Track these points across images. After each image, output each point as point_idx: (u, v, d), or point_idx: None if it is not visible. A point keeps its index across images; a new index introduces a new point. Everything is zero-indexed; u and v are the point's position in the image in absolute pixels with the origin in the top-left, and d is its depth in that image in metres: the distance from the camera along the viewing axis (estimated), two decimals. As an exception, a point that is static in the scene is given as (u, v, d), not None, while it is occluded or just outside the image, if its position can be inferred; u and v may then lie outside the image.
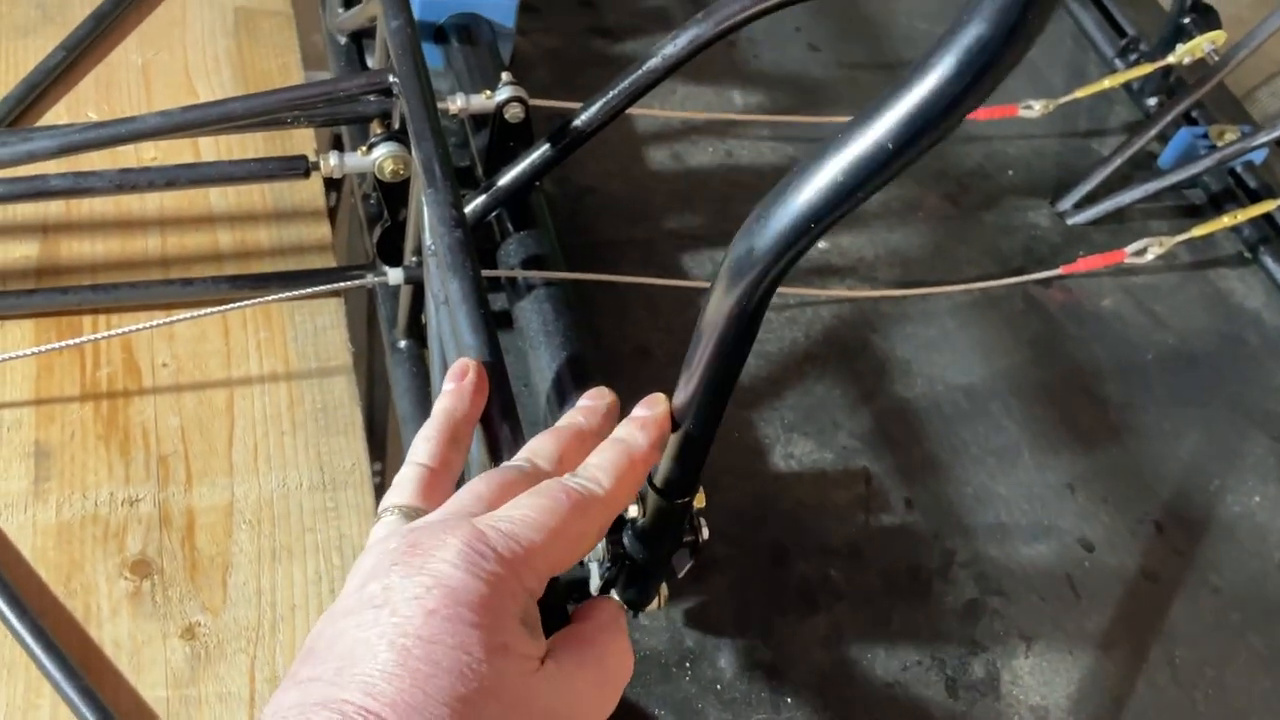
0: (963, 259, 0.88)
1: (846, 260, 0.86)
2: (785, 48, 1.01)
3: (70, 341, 0.70)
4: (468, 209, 0.72)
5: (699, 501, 0.53)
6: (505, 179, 0.71)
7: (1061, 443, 0.78)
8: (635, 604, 0.59)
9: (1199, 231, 0.88)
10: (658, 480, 0.49)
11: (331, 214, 0.84)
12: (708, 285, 0.80)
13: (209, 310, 0.71)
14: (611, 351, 0.76)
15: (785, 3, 0.64)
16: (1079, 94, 0.93)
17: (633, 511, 0.53)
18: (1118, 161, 0.94)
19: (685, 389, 0.44)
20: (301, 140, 0.86)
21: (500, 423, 0.50)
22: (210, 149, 0.84)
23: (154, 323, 0.71)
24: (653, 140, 0.90)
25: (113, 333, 0.72)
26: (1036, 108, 0.92)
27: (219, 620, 0.63)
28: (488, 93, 0.70)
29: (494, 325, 0.53)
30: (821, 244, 0.86)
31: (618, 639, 0.40)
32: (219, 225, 0.81)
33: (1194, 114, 0.98)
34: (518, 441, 0.49)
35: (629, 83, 0.67)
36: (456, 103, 0.70)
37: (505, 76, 0.71)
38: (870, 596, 0.68)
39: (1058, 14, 1.11)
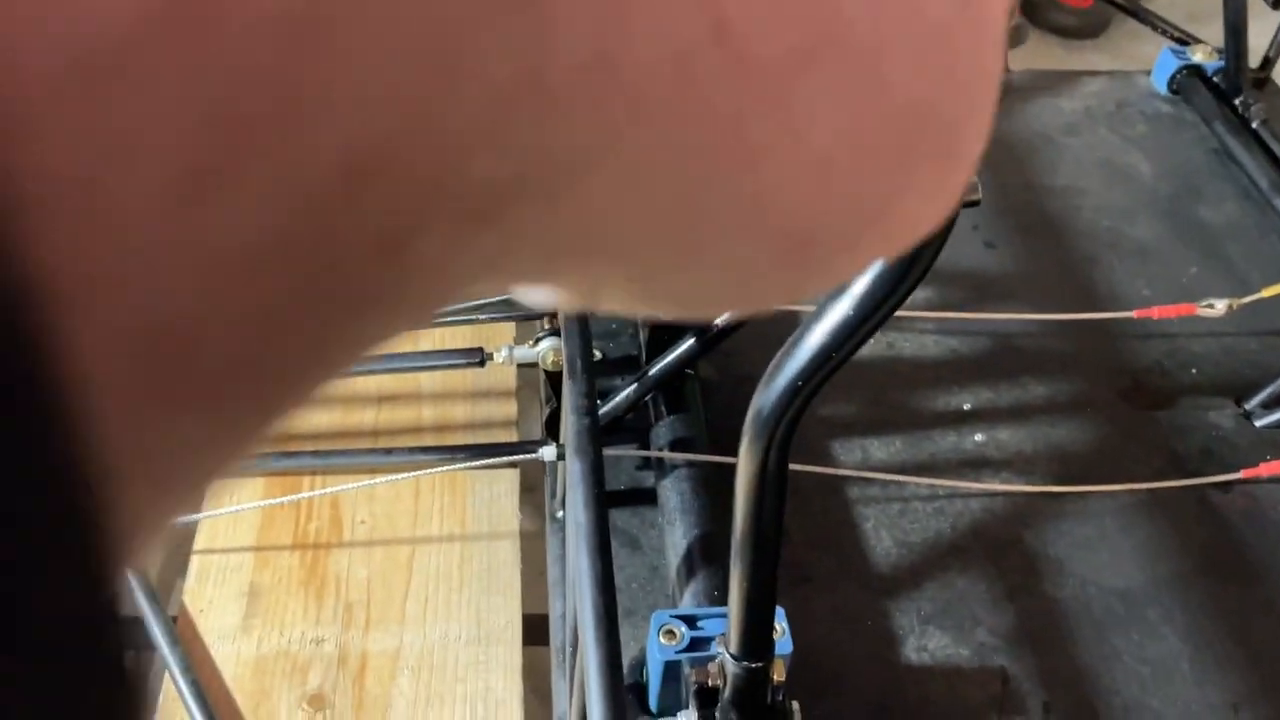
0: (1132, 459, 0.86)
1: (1003, 453, 0.87)
2: (960, 244, 1.04)
3: (289, 498, 0.82)
4: (626, 391, 0.80)
5: (778, 674, 0.56)
6: (657, 367, 0.79)
7: (1229, 659, 0.74)
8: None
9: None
10: (731, 647, 0.53)
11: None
12: (854, 473, 0.83)
13: (404, 475, 0.82)
14: (749, 533, 0.80)
15: (963, 204, 0.69)
16: (1266, 293, 0.90)
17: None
18: (1316, 361, 0.89)
19: (735, 556, 0.48)
20: (503, 330, 0.98)
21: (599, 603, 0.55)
22: (426, 339, 0.97)
23: (359, 484, 0.82)
24: (817, 333, 0.95)
25: (324, 491, 0.84)
26: (1219, 307, 0.90)
27: (374, 755, 0.70)
28: (638, 294, 0.79)
29: (605, 503, 0.59)
30: (977, 435, 0.87)
31: None
32: (424, 402, 0.93)
33: None
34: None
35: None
36: (609, 303, 0.79)
37: (655, 280, 0.80)
38: (995, 802, 0.67)
39: (1260, 208, 1.08)
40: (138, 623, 0.76)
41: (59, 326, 0.07)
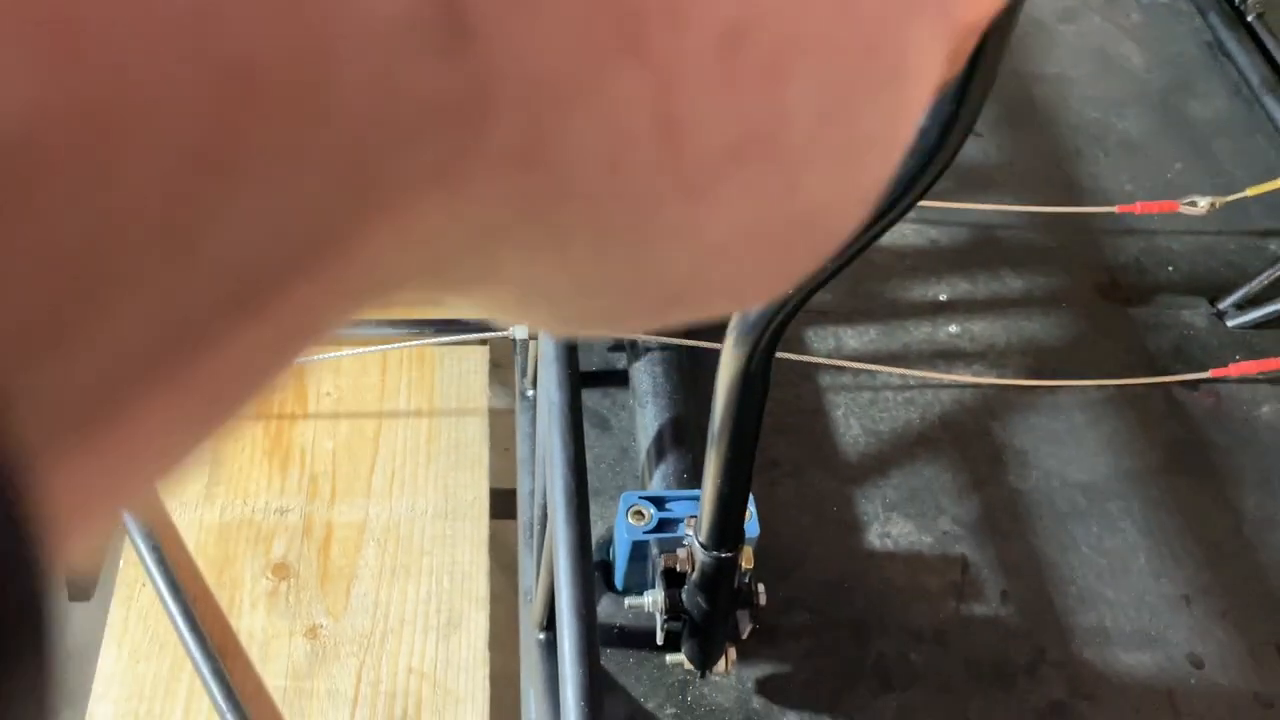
0: (1104, 354, 0.86)
1: (976, 346, 0.86)
2: (946, 133, 1.02)
3: (252, 367, 0.81)
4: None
5: (747, 561, 0.56)
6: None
7: (1184, 552, 0.75)
8: (701, 663, 0.62)
9: (1373, 343, 0.82)
10: (701, 535, 0.53)
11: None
12: (826, 361, 0.83)
13: (371, 349, 0.80)
14: (720, 416, 0.79)
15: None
16: (1250, 192, 0.89)
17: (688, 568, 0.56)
18: (1293, 263, 0.89)
19: (712, 449, 0.48)
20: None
21: (569, 473, 0.54)
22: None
23: (323, 356, 0.81)
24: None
25: (288, 362, 0.83)
26: (1201, 204, 0.89)
27: (338, 625, 0.71)
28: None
29: (579, 382, 0.58)
30: (951, 327, 0.87)
31: None
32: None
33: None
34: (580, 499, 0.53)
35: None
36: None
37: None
38: (949, 684, 0.68)
39: (1249, 105, 1.06)
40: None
41: None
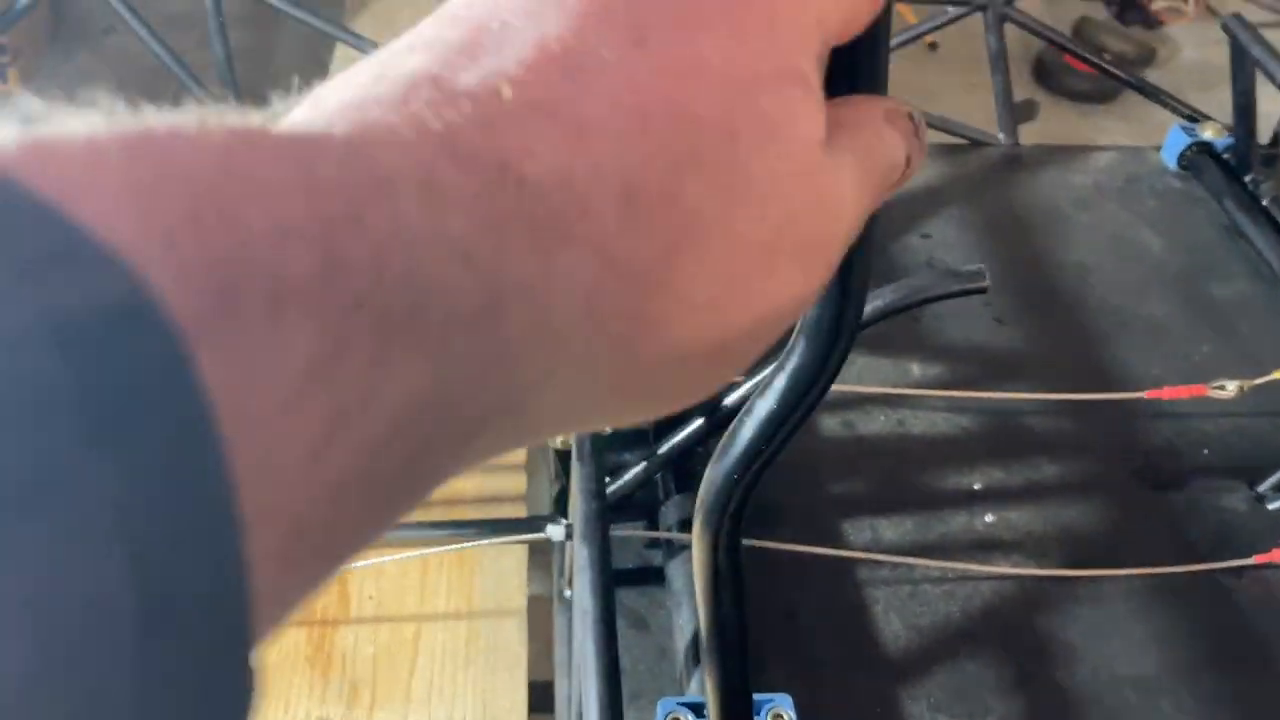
0: (1144, 542, 0.86)
1: (1014, 535, 0.86)
2: (970, 320, 1.04)
3: (297, 572, 0.82)
4: (635, 470, 0.80)
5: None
6: (665, 447, 0.79)
7: (1245, 751, 0.72)
8: None
9: None
10: None
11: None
12: (863, 555, 0.83)
13: (413, 553, 0.82)
14: (757, 615, 0.79)
15: (961, 293, 0.69)
16: (1277, 375, 0.90)
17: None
18: (1330, 444, 0.89)
19: (705, 649, 0.48)
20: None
21: (603, 686, 0.55)
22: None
23: (366, 561, 0.82)
24: (825, 409, 0.95)
25: (332, 566, 0.84)
26: (1230, 388, 0.90)
27: (375, 840, 0.70)
28: (647, 375, 0.79)
29: (613, 590, 0.59)
30: (987, 516, 0.87)
31: (892, 135, 0.23)
32: (434, 475, 0.93)
33: None
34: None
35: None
36: (618, 384, 0.79)
37: (665, 361, 0.80)
38: None
39: (1271, 287, 1.08)
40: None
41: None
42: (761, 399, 0.38)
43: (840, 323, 0.34)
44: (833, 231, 0.19)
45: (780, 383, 0.37)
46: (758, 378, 0.55)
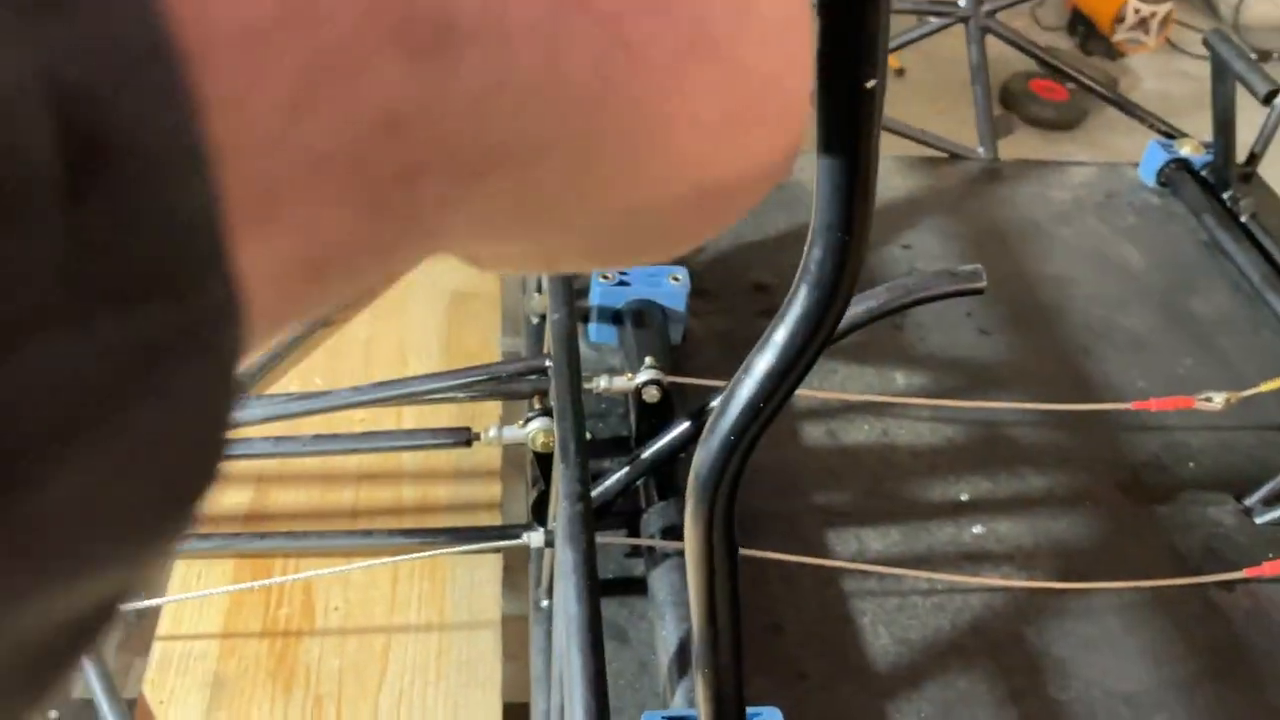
0: (1134, 554, 0.84)
1: (1003, 547, 0.84)
2: (954, 331, 1.03)
3: (259, 583, 0.79)
4: (617, 476, 0.77)
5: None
6: (648, 452, 0.76)
7: (1241, 768, 0.71)
8: None
9: None
10: None
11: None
12: (850, 565, 0.80)
13: (382, 560, 0.78)
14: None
15: (956, 293, 0.67)
16: (1264, 387, 0.89)
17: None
18: (1316, 458, 0.88)
19: (697, 650, 0.45)
20: (490, 408, 0.95)
21: (589, 694, 0.52)
22: (410, 414, 0.94)
23: (333, 569, 0.79)
24: (809, 417, 0.93)
25: (296, 576, 0.80)
26: (1217, 400, 0.89)
27: None
28: (629, 374, 0.77)
29: (598, 595, 0.56)
30: (976, 528, 0.85)
31: None
32: (405, 481, 0.90)
33: None
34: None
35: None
36: (600, 383, 0.77)
37: (648, 360, 0.78)
38: None
39: (1252, 302, 1.08)
40: (89, 707, 0.72)
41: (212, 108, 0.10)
42: (760, 354, 0.35)
43: (845, 260, 0.32)
44: (806, 93, 0.19)
45: (780, 336, 0.34)
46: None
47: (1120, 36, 3.63)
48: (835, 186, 0.34)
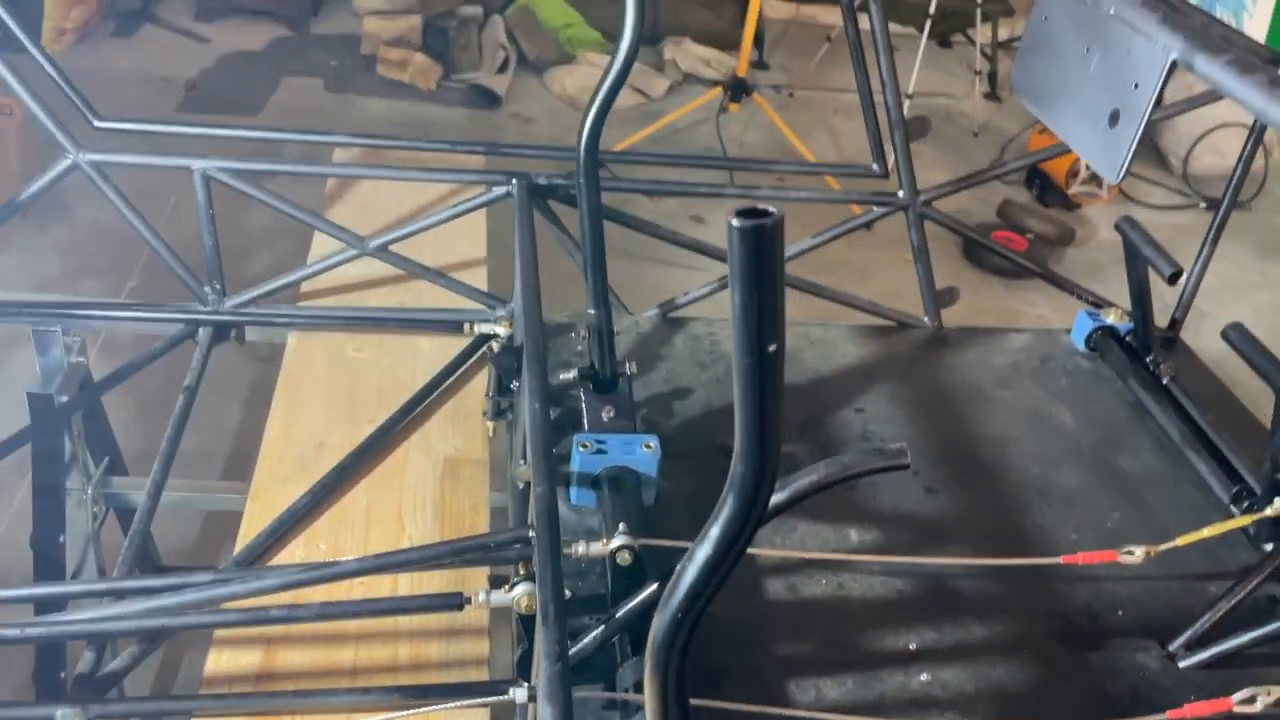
0: (1067, 699, 0.92)
1: (948, 693, 0.92)
2: (903, 489, 1.13)
3: (268, 738, 0.86)
4: (594, 634, 0.85)
5: None
6: (621, 612, 0.85)
7: None
8: None
9: (1314, 680, 0.88)
10: None
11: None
12: (807, 715, 0.88)
13: (380, 717, 0.85)
14: (709, 773, 0.83)
15: (885, 469, 0.76)
16: (1180, 541, 0.99)
17: None
18: (1231, 603, 0.97)
19: None
20: (479, 573, 1.04)
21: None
22: (406, 576, 1.03)
23: (334, 725, 0.86)
24: (772, 573, 1.02)
25: (302, 732, 0.88)
26: (1138, 554, 0.98)
27: None
28: (605, 540, 0.86)
29: (575, 748, 0.64)
30: (923, 675, 0.93)
31: None
32: (401, 640, 0.97)
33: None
34: None
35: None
36: (579, 549, 0.86)
37: (621, 526, 0.87)
38: None
39: (1174, 459, 1.19)
40: None
41: None
42: (700, 546, 0.45)
43: (761, 477, 0.43)
44: None
45: (715, 531, 0.45)
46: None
47: (1075, 190, 3.86)
48: (749, 420, 0.45)
